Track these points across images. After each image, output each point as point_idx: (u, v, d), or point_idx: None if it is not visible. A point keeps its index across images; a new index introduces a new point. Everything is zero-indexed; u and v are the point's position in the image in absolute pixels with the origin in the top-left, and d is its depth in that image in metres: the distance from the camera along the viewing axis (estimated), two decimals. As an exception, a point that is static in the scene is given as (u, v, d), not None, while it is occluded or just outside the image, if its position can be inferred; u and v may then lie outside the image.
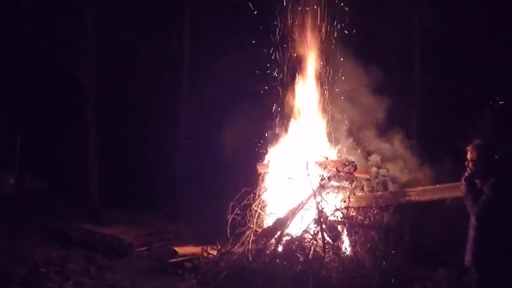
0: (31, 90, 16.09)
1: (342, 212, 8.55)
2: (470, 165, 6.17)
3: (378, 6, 12.73)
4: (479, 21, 14.20)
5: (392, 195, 8.69)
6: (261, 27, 11.28)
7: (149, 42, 15.88)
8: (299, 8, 10.10)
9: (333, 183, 8.71)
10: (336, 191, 8.81)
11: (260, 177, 9.50)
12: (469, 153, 6.16)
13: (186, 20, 16.18)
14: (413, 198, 8.58)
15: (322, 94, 9.96)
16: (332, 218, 8.46)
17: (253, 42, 12.17)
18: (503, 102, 16.74)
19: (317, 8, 10.02)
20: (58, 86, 15.94)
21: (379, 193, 8.92)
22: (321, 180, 8.56)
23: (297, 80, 9.96)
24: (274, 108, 10.14)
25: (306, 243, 8.11)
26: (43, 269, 8.98)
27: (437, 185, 8.51)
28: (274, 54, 10.31)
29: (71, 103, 15.70)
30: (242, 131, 12.18)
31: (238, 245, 8.64)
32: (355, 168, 8.79)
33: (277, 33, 10.28)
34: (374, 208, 8.59)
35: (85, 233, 11.26)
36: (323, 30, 10.05)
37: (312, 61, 9.93)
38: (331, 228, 8.33)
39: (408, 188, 8.73)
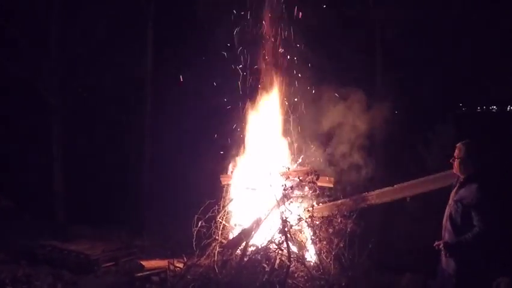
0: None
1: (306, 222, 8.63)
2: (456, 162, 6.29)
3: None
4: (439, 29, 14.42)
5: (352, 201, 8.79)
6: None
7: (113, 57, 15.85)
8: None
9: (296, 192, 8.80)
10: (299, 200, 8.88)
11: (224, 189, 9.55)
12: (457, 150, 6.29)
13: (149, 36, 16.19)
14: (373, 201, 8.71)
15: (283, 106, 10.03)
16: (296, 228, 8.54)
17: (203, 58, 12.23)
18: (465, 109, 17.04)
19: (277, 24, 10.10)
20: (22, 102, 15.84)
21: (339, 201, 9.01)
22: (284, 190, 8.65)
23: (258, 92, 10.01)
24: (236, 120, 10.20)
25: (271, 253, 8.16)
26: (10, 287, 8.95)
27: (395, 185, 8.65)
28: (235, 67, 10.39)
29: (36, 119, 15.62)
30: (206, 144, 12.22)
31: (205, 257, 8.64)
32: (317, 177, 8.89)
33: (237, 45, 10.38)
34: (337, 216, 8.68)
35: (51, 249, 11.16)
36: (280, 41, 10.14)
37: (272, 73, 9.99)
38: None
39: (366, 193, 8.84)
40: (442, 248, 6.28)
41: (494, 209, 6.15)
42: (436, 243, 6.36)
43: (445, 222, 6.51)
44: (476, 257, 6.19)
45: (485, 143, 6.74)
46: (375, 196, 8.75)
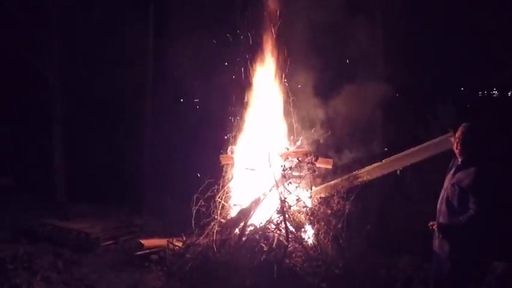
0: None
1: (304, 203, 8.69)
2: (455, 143, 6.34)
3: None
4: (440, 12, 14.38)
5: (346, 181, 8.88)
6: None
7: (114, 36, 15.80)
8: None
9: (295, 173, 8.85)
10: (298, 181, 8.92)
11: (224, 169, 9.59)
12: (458, 131, 6.34)
13: (150, 13, 16.12)
14: (364, 178, 8.82)
15: (283, 86, 10.03)
16: (294, 208, 8.59)
17: (214, 41, 12.22)
18: (467, 93, 17.01)
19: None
20: (21, 80, 15.83)
21: (333, 181, 9.08)
22: (283, 170, 8.69)
23: (256, 72, 10.01)
24: (235, 99, 10.22)
25: (269, 233, 8.22)
26: (11, 265, 9.01)
27: (383, 160, 8.74)
28: (235, 46, 10.41)
29: (36, 98, 15.60)
30: (206, 123, 12.23)
31: (203, 236, 8.72)
32: (316, 158, 8.94)
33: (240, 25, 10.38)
34: (335, 197, 8.73)
35: (51, 228, 11.24)
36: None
37: (271, 53, 9.99)
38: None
39: (357, 171, 8.92)
40: (436, 229, 6.33)
41: (490, 192, 6.20)
42: (430, 223, 6.41)
43: (440, 205, 6.55)
44: (470, 240, 6.23)
45: (486, 127, 6.79)
46: (366, 173, 8.91)
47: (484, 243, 6.35)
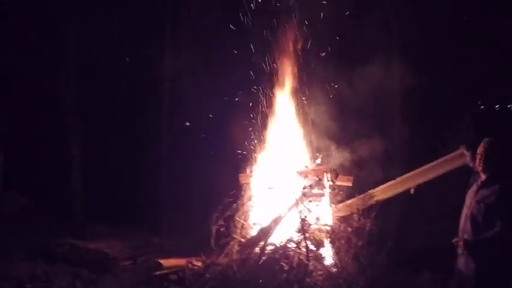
0: (12, 107, 16.06)
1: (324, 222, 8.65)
2: (478, 159, 6.30)
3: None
4: (458, 24, 14.36)
5: (361, 200, 8.83)
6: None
7: (130, 57, 15.89)
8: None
9: (315, 191, 8.81)
10: (318, 199, 8.88)
11: (243, 188, 9.57)
12: (480, 147, 6.30)
13: (167, 33, 16.19)
14: (380, 197, 8.77)
15: (301, 103, 10.04)
16: (314, 226, 8.54)
17: (235, 52, 12.21)
18: (483, 107, 16.92)
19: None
20: (40, 102, 15.93)
21: (349, 201, 9.03)
22: (303, 189, 8.65)
23: (275, 89, 10.03)
24: (254, 118, 10.22)
25: (290, 252, 8.17)
26: (29, 285, 9.05)
27: (397, 179, 8.70)
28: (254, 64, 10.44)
29: (53, 119, 15.69)
30: (224, 141, 12.22)
31: (223, 255, 8.67)
32: (336, 176, 8.90)
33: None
34: (354, 215, 8.68)
35: (69, 248, 11.25)
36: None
37: (289, 71, 10.00)
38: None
39: (371, 190, 8.88)
40: (461, 245, 6.26)
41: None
42: (455, 239, 6.34)
43: (463, 223, 6.47)
44: (496, 257, 6.16)
45: (507, 141, 6.73)
46: (380, 191, 8.83)
47: (508, 260, 6.28)
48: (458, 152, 7.76)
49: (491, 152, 6.27)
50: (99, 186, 15.00)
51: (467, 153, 6.98)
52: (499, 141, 6.37)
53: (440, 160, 8.33)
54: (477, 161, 6.41)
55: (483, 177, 6.37)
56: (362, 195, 8.97)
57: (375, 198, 8.83)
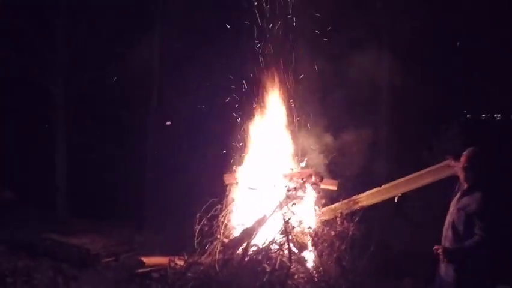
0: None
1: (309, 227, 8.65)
2: (460, 170, 6.32)
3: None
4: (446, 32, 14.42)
5: (345, 205, 8.84)
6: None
7: (119, 52, 15.85)
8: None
9: (299, 194, 8.81)
10: (302, 202, 8.89)
11: (227, 188, 9.56)
12: (462, 158, 6.31)
13: (156, 31, 16.17)
14: (364, 203, 8.79)
15: (288, 103, 10.05)
16: (298, 229, 8.54)
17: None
18: (469, 116, 17.02)
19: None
20: (26, 96, 15.89)
21: (333, 205, 9.04)
22: (287, 191, 8.66)
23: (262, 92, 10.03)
24: (240, 119, 10.22)
25: (272, 254, 8.17)
26: (10, 279, 8.98)
27: (382, 186, 8.73)
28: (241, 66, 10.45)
29: (39, 113, 15.65)
30: (209, 141, 12.23)
31: (206, 255, 8.65)
32: (321, 179, 8.92)
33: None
34: (337, 219, 8.69)
35: (52, 243, 11.20)
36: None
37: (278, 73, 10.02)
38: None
39: (356, 195, 8.89)
40: (441, 253, 6.27)
41: (496, 218, 6.16)
42: (436, 247, 6.35)
43: (446, 230, 6.50)
44: (476, 266, 6.18)
45: (491, 151, 6.75)
46: (366, 197, 8.86)
47: (488, 268, 6.30)
48: (445, 162, 7.79)
49: (473, 161, 6.28)
50: (83, 182, 14.99)
51: (455, 164, 7.00)
52: (482, 151, 6.39)
53: (426, 170, 8.35)
54: (459, 170, 6.44)
55: (465, 186, 6.40)
56: (346, 200, 8.99)
57: (359, 204, 8.85)
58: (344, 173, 9.87)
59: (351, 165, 10.17)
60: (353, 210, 8.81)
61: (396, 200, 8.73)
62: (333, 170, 9.74)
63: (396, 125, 13.07)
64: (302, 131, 9.93)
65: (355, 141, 10.36)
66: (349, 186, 9.52)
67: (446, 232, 6.46)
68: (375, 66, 12.09)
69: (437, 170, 8.11)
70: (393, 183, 8.77)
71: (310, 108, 10.18)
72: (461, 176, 6.41)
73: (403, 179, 8.66)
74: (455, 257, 6.24)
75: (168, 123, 15.49)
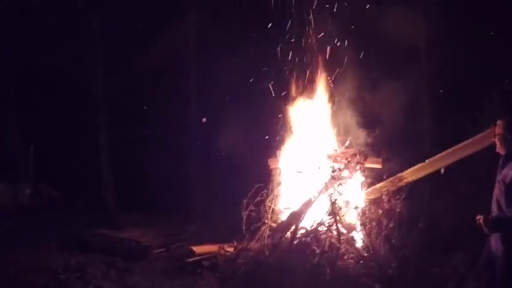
0: (41, 100, 16.27)
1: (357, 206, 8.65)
2: (496, 139, 6.18)
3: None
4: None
5: (391, 183, 8.78)
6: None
7: (156, 47, 15.90)
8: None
9: (344, 174, 8.79)
10: (348, 181, 8.87)
11: (272, 173, 9.58)
12: (497, 127, 6.17)
13: (190, 22, 16.16)
14: (409, 179, 8.72)
15: (328, 86, 10.02)
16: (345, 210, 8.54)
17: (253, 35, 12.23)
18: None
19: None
20: (67, 95, 16.09)
21: (378, 184, 8.98)
22: (332, 172, 8.64)
23: (303, 75, 10.03)
24: (282, 103, 10.22)
25: (321, 236, 8.18)
26: (63, 275, 9.11)
27: (427, 161, 8.64)
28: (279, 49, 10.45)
29: (81, 111, 15.83)
30: (252, 128, 12.23)
31: (254, 241, 8.71)
32: (365, 158, 8.88)
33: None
34: (384, 198, 8.65)
35: (102, 238, 11.34)
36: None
37: (317, 54, 10.00)
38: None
39: (401, 172, 8.82)
40: (482, 222, 6.13)
41: None
42: (478, 217, 6.21)
43: (492, 204, 6.40)
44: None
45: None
46: (411, 173, 8.77)
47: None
48: (488, 131, 7.66)
49: (506, 130, 6.14)
50: (129, 176, 15.12)
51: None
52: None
53: (469, 140, 8.25)
54: (496, 140, 6.31)
55: (502, 156, 6.27)
56: (391, 178, 8.93)
57: (404, 180, 8.78)
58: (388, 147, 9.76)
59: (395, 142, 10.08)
60: (398, 187, 8.76)
61: (442, 172, 8.64)
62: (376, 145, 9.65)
63: (438, 97, 12.85)
64: (343, 110, 9.89)
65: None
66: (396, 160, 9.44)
67: (492, 205, 6.35)
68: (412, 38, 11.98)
69: (479, 139, 8.00)
70: (437, 156, 8.68)
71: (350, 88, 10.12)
72: (497, 146, 6.28)
73: (447, 151, 8.57)
74: (497, 227, 6.10)
75: (204, 120, 15.49)
